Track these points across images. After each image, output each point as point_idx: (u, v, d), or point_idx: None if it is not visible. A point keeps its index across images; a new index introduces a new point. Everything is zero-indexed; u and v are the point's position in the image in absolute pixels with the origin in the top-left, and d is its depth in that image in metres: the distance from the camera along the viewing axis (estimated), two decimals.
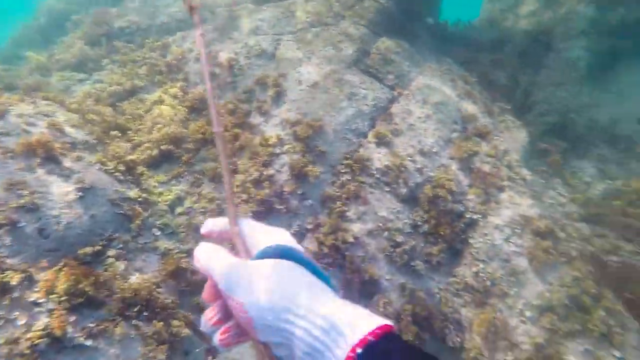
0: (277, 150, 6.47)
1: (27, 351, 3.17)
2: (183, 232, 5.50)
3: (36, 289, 3.71)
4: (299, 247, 0.87)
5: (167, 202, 5.78)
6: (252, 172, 5.95)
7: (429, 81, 8.18)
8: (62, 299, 3.67)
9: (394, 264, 5.52)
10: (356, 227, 5.74)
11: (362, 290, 5.19)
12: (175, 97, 7.65)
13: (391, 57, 8.09)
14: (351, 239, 5.53)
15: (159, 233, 5.32)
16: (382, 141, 6.73)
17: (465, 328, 5.35)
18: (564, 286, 5.56)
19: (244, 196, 5.76)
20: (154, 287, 4.40)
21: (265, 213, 5.70)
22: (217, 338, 0.82)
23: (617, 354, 4.88)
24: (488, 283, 5.56)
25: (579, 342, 5.11)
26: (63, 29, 10.88)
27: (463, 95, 8.33)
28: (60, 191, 4.58)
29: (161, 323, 4.10)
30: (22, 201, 4.17)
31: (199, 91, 7.69)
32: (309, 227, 5.76)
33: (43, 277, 3.79)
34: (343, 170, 6.34)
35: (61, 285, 3.70)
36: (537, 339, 5.13)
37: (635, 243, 7.02)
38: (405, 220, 5.88)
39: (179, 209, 5.82)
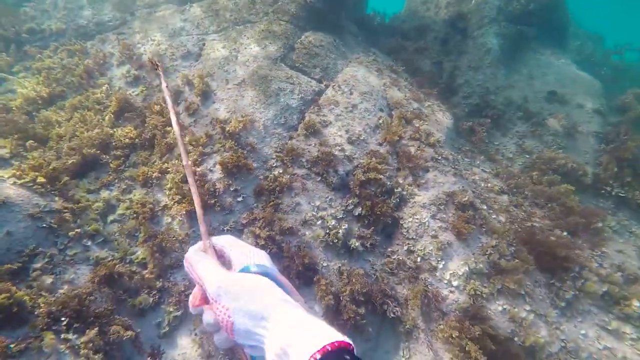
0: (208, 150, 6.49)
1: None
2: (116, 239, 5.40)
3: None
4: (274, 268, 1.05)
5: (98, 211, 5.63)
6: (184, 172, 5.92)
7: (355, 72, 8.51)
8: None
9: (330, 249, 5.77)
10: (291, 218, 5.92)
11: (302, 276, 5.39)
12: (98, 102, 7.39)
13: (316, 50, 8.33)
14: (286, 229, 5.70)
15: (89, 243, 5.19)
16: (311, 133, 6.94)
17: (402, 304, 5.72)
18: (485, 254, 6.10)
19: (177, 197, 5.75)
20: (85, 296, 4.32)
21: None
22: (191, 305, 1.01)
23: (527, 307, 5.48)
24: (418, 259, 5.97)
25: (498, 303, 5.65)
26: None
27: (389, 83, 8.75)
28: None
29: (94, 331, 4.06)
30: None
31: (123, 95, 7.47)
32: (244, 222, 5.86)
33: None
34: (275, 164, 6.49)
35: None
36: (463, 304, 5.60)
37: (546, 208, 7.81)
38: (338, 207, 6.15)
39: (110, 217, 5.69)
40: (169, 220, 5.69)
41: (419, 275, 5.76)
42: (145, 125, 6.82)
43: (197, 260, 1.04)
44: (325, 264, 5.60)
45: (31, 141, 6.32)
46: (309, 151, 6.69)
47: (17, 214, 4.71)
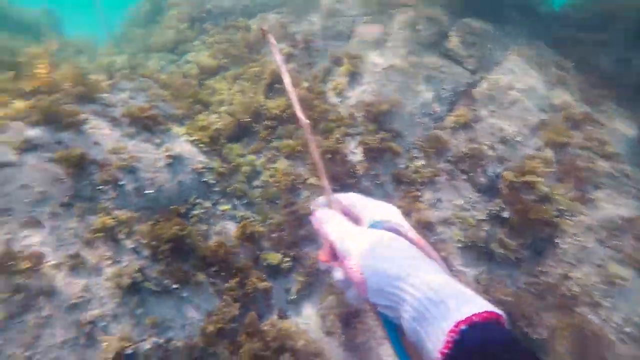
0: (352, 131, 6.51)
1: (128, 288, 3.58)
2: (259, 204, 5.78)
3: (135, 237, 4.13)
4: (407, 225, 0.92)
5: (246, 174, 6.09)
6: (325, 148, 6.04)
7: (515, 65, 7.65)
8: (156, 248, 4.07)
9: (468, 253, 5.33)
10: (430, 214, 5.62)
11: None
12: (256, 74, 7.96)
13: (472, 39, 7.69)
14: (424, 223, 5.43)
15: (236, 202, 5.65)
16: (460, 127, 6.46)
17: (547, 332, 4.99)
18: None
19: (317, 173, 5.88)
20: (231, 249, 4.69)
21: (338, 190, 5.78)
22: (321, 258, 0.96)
23: None
24: (576, 289, 5.09)
25: None
26: (162, 12, 11.79)
27: (555, 81, 7.68)
28: (152, 158, 5.03)
29: (235, 281, 4.38)
30: (124, 163, 4.64)
31: (275, 69, 7.91)
32: None
33: (140, 228, 4.22)
34: (417, 155, 6.22)
35: (155, 235, 4.11)
36: None
37: None
38: (483, 210, 5.63)
39: (255, 182, 6.11)
40: (307, 194, 5.87)
41: (575, 307, 4.93)
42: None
43: (325, 216, 0.98)
44: (460, 268, 5.19)
45: (199, 105, 7.12)
46: (455, 146, 6.24)
47: (186, 167, 5.32)
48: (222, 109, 7.09)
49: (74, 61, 7.17)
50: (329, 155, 5.99)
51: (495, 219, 5.58)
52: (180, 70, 8.40)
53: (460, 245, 5.35)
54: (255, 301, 4.57)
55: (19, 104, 4.70)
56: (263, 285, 4.62)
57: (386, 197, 5.89)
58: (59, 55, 7.04)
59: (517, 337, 0.64)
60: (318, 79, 7.62)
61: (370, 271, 0.78)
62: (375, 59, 7.46)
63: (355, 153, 6.28)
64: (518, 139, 6.29)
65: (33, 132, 4.44)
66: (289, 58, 8.33)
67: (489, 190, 5.88)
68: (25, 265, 3.27)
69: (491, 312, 0.65)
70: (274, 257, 5.16)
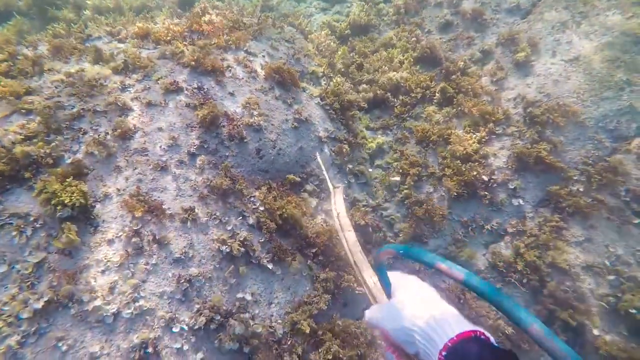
0: (499, 130, 5.52)
1: (228, 254, 3.61)
2: (375, 187, 5.38)
3: (245, 202, 4.13)
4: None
5: (369, 152, 5.68)
6: (465, 146, 5.25)
7: None
8: (262, 219, 4.02)
9: (616, 321, 4.27)
10: (572, 254, 4.58)
11: (563, 327, 4.23)
12: (407, 42, 7.20)
13: None
14: (561, 265, 4.47)
15: (353, 180, 5.32)
16: None
17: None
18: None
19: (448, 171, 5.18)
20: (335, 234, 4.45)
21: (464, 198, 5.06)
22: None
23: None
24: None
25: None
26: None
27: None
28: (281, 118, 4.89)
29: (333, 274, 4.17)
30: (252, 120, 4.59)
31: (431, 41, 7.01)
32: (510, 229, 4.88)
33: (251, 192, 4.20)
34: (577, 178, 5.03)
35: (265, 204, 4.05)
36: None
37: None
38: None
39: (377, 161, 5.67)
40: (431, 190, 5.25)
41: None
42: (442, 78, 6.26)
43: (374, 318, 1.16)
44: (596, 333, 4.20)
45: (340, 66, 6.74)
46: (636, 179, 4.87)
47: (311, 133, 5.09)
48: (363, 76, 6.61)
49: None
50: (463, 154, 5.20)
51: None
52: (329, 21, 8.02)
53: (602, 306, 4.29)
54: (343, 294, 4.33)
55: (178, 44, 4.87)
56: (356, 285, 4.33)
57: (520, 218, 4.97)
58: None
59: (496, 346, 0.86)
60: (475, 58, 6.56)
61: (394, 332, 1.05)
62: (555, 47, 6.06)
63: (497, 157, 5.35)
64: None
65: (179, 74, 4.58)
66: (448, 27, 7.31)
67: None
68: (142, 208, 3.45)
69: (472, 331, 0.88)
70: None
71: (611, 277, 4.37)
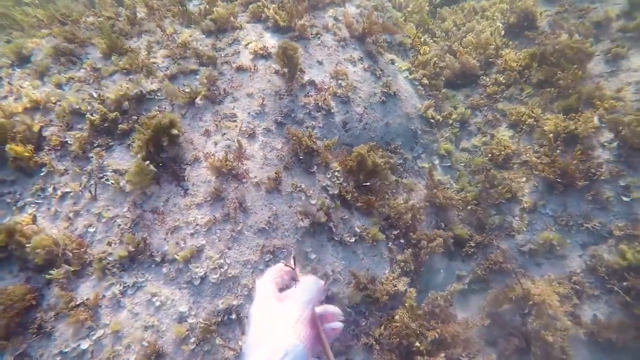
0: (612, 116, 4.85)
1: (310, 228, 3.53)
2: (460, 170, 5.02)
3: (329, 174, 4.00)
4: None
5: (455, 132, 5.29)
6: (568, 127, 4.68)
7: None
8: (347, 194, 3.88)
9: None
10: None
11: None
12: (501, 12, 6.50)
13: None
14: None
15: (437, 162, 5.00)
16: None
17: None
18: None
19: (544, 159, 4.67)
20: (418, 215, 4.22)
21: (560, 190, 4.56)
22: None
23: None
24: None
25: None
26: None
27: None
28: (369, 91, 4.64)
29: (409, 252, 3.97)
30: (340, 91, 4.39)
31: (527, 7, 6.24)
32: (617, 232, 4.33)
33: (335, 165, 4.05)
34: None
35: (349, 177, 3.91)
36: None
37: None
38: None
39: (464, 144, 5.28)
40: (523, 179, 4.79)
41: None
42: (542, 55, 5.58)
43: None
44: None
45: (428, 36, 6.28)
46: None
47: (398, 108, 4.81)
48: (450, 44, 6.10)
49: None
50: (563, 138, 4.65)
51: None
52: None
53: None
54: (422, 280, 4.14)
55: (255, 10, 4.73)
56: (439, 249, 4.11)
57: (632, 220, 4.39)
58: None
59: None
60: (588, 30, 5.76)
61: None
62: None
63: (605, 147, 4.73)
64: None
65: (269, 39, 4.47)
66: None
67: None
68: (230, 174, 3.44)
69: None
70: (461, 233, 4.53)
71: None
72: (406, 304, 3.67)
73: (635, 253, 4.14)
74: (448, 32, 6.47)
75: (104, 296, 2.93)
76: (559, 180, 4.58)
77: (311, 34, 4.68)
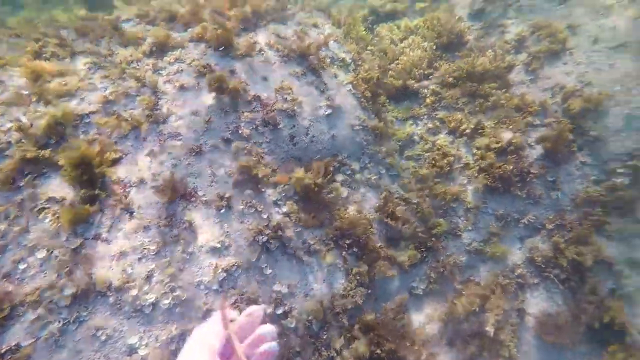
0: (537, 121, 5.32)
1: (264, 244, 3.50)
2: (407, 178, 5.21)
3: (279, 190, 4.01)
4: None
5: (400, 142, 5.52)
6: (500, 139, 5.05)
7: None
8: (294, 208, 3.90)
9: None
10: (615, 249, 4.41)
11: (596, 332, 4.07)
12: (432, 29, 6.95)
13: None
14: (598, 262, 4.30)
15: (384, 171, 5.17)
16: None
17: None
18: None
19: (482, 163, 5.00)
20: (369, 226, 4.32)
21: (500, 193, 4.88)
22: None
23: None
24: None
25: None
26: None
27: None
28: (314, 105, 4.74)
29: (365, 267, 4.05)
30: (286, 105, 4.44)
31: (457, 26, 6.73)
32: (548, 224, 4.71)
33: (282, 179, 4.06)
34: (621, 171, 4.82)
35: (297, 191, 3.93)
36: None
37: None
38: None
39: (408, 152, 5.51)
40: (465, 181, 5.08)
41: None
42: (467, 66, 6.01)
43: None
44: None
45: (367, 52, 6.54)
46: None
47: (343, 120, 4.94)
48: (390, 64, 6.41)
49: None
50: (498, 146, 5.01)
51: None
52: (354, 6, 7.80)
53: None
54: (379, 286, 4.22)
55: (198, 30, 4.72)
56: (390, 273, 4.22)
57: (559, 212, 4.79)
58: None
59: None
60: (507, 47, 6.31)
61: None
62: (599, 33, 5.79)
63: (534, 147, 5.16)
64: None
65: (211, 57, 4.45)
66: (479, 14, 7.03)
67: None
68: (178, 194, 3.35)
69: None
70: (409, 255, 4.64)
71: None
72: (363, 318, 3.72)
73: (569, 247, 4.50)
74: (386, 51, 6.78)
75: (37, 338, 2.69)
76: (499, 184, 4.91)
77: (254, 51, 4.72)
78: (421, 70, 6.18)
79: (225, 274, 3.21)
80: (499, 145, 5.03)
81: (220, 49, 4.54)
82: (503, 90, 5.63)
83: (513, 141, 5.03)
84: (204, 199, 3.47)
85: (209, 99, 4.06)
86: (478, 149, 5.18)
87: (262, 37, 5.04)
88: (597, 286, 4.22)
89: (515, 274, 4.58)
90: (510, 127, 5.22)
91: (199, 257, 3.21)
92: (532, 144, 5.20)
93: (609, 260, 4.38)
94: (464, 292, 4.45)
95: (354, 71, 5.82)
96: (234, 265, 3.29)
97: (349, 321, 3.70)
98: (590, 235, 4.53)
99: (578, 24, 6.09)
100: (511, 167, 4.85)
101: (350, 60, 5.99)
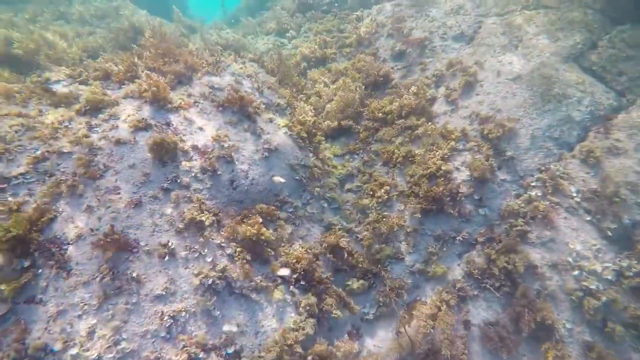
0: (460, 146, 5.87)
1: (210, 286, 3.54)
2: (348, 210, 5.49)
3: (222, 233, 4.11)
4: None
5: (339, 177, 5.83)
6: (429, 165, 5.51)
7: None
8: (239, 249, 4.00)
9: (581, 313, 4.51)
10: (537, 254, 4.86)
11: (532, 332, 4.39)
12: (359, 70, 7.57)
13: (629, 52, 6.41)
14: (528, 266, 4.72)
15: (326, 205, 5.42)
16: (591, 158, 5.46)
17: None
18: None
19: (416, 189, 5.40)
20: (314, 259, 4.49)
21: (434, 213, 5.27)
22: None
23: None
24: None
25: None
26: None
27: None
28: (252, 149, 4.97)
29: (314, 299, 4.16)
30: (223, 152, 4.63)
31: (384, 68, 7.42)
32: (480, 239, 5.12)
33: (227, 222, 4.19)
34: (534, 184, 5.40)
35: (240, 236, 4.04)
36: None
37: None
38: (607, 264, 4.71)
39: (348, 185, 5.82)
40: (402, 207, 5.43)
41: None
42: (397, 102, 6.59)
43: None
44: (569, 327, 4.41)
45: (302, 95, 6.97)
46: (583, 180, 5.30)
47: (282, 161, 5.19)
48: (325, 105, 6.87)
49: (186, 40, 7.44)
50: (428, 172, 5.47)
51: (623, 278, 4.64)
52: (284, 56, 8.33)
53: (572, 301, 4.54)
54: (329, 318, 4.32)
55: (132, 87, 4.89)
56: (336, 313, 4.33)
57: (489, 226, 5.23)
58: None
59: None
60: (429, 82, 7.01)
61: None
62: (500, 67, 6.62)
63: (460, 170, 5.66)
64: None
65: (146, 112, 4.59)
66: (400, 56, 7.79)
67: (620, 241, 4.90)
68: (118, 247, 3.36)
69: None
70: (357, 285, 4.80)
71: (575, 272, 4.66)
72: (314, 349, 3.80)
73: (499, 257, 4.90)
74: (319, 93, 7.26)
75: None
76: (433, 206, 5.30)
77: (190, 104, 4.93)
78: (353, 109, 6.66)
79: (172, 321, 3.20)
80: (429, 171, 5.48)
81: (155, 103, 4.71)
82: (429, 124, 6.19)
83: (442, 168, 5.50)
84: (146, 248, 3.50)
85: (146, 152, 4.17)
86: (411, 176, 5.60)
87: (197, 90, 5.29)
88: (526, 290, 4.60)
89: (457, 287, 4.87)
90: (437, 152, 5.72)
91: (144, 306, 3.20)
92: (459, 167, 5.71)
93: (534, 264, 4.81)
94: (414, 313, 4.64)
95: (290, 114, 6.18)
96: (181, 310, 3.30)
97: (302, 352, 3.75)
98: (517, 244, 4.97)
99: (483, 60, 6.92)
100: (441, 188, 5.28)
101: (285, 105, 6.36)
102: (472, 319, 4.70)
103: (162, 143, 4.11)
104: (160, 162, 4.17)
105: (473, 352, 4.51)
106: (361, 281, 4.76)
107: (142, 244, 3.51)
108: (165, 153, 4.21)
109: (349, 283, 4.76)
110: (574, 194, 5.24)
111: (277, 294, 3.99)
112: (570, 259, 4.80)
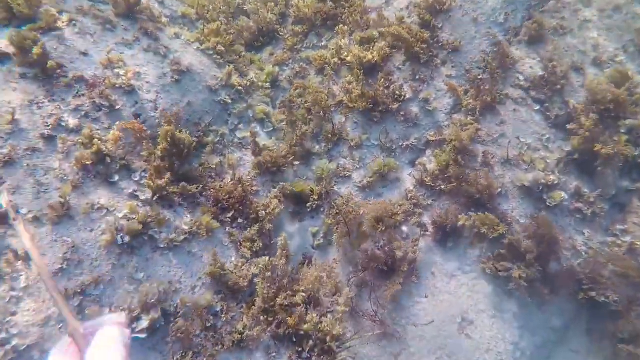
0: (400, 43, 5.23)
1: (126, 244, 2.99)
2: (284, 129, 4.89)
3: (134, 178, 3.44)
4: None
5: (268, 93, 5.11)
6: (363, 56, 4.88)
7: None
8: (160, 191, 3.40)
9: (528, 202, 4.44)
10: (489, 151, 4.62)
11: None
12: None
13: None
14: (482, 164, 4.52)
15: (258, 128, 4.78)
16: (537, 41, 5.08)
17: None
18: None
19: (355, 93, 4.81)
20: (249, 188, 3.98)
21: (378, 117, 4.79)
22: None
23: None
24: None
25: None
26: None
27: None
28: (157, 73, 4.09)
29: (255, 228, 3.73)
30: (120, 81, 3.75)
31: None
32: (431, 139, 4.76)
33: (140, 166, 3.51)
34: (481, 75, 4.99)
35: (157, 180, 3.40)
36: None
37: None
38: (556, 152, 4.58)
39: (279, 102, 5.15)
40: (343, 119, 4.90)
41: None
42: None
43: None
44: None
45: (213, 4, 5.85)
46: (530, 67, 4.95)
47: (198, 84, 4.38)
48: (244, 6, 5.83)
49: None
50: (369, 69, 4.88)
51: (571, 161, 4.57)
52: None
53: (522, 191, 4.45)
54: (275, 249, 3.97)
55: None
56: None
57: (437, 128, 4.87)
58: None
59: None
60: None
61: None
62: None
63: (402, 70, 5.11)
64: (619, 59, 4.90)
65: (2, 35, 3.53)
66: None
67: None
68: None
69: None
70: (302, 188, 4.38)
71: (525, 166, 4.52)
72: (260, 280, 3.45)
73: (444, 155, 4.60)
74: None
75: None
76: (374, 109, 4.80)
77: (62, 22, 3.85)
78: (277, 8, 5.72)
79: (81, 297, 2.67)
80: (365, 60, 4.87)
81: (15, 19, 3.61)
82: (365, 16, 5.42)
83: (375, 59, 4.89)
84: (30, 215, 2.80)
85: (9, 90, 3.23)
86: (349, 83, 4.99)
87: (72, 4, 4.13)
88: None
89: (409, 197, 4.61)
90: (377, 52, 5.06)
91: (39, 287, 2.61)
92: (399, 66, 5.14)
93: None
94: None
95: (202, 26, 5.16)
96: (91, 282, 2.75)
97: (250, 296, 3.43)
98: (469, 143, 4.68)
99: None
100: (382, 88, 4.76)
101: (195, 16, 5.30)
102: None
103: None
104: (33, 103, 3.28)
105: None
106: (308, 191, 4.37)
107: (23, 211, 2.80)
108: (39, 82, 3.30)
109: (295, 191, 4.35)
110: (523, 83, 4.91)
111: (212, 238, 3.51)
112: (521, 152, 4.60)
